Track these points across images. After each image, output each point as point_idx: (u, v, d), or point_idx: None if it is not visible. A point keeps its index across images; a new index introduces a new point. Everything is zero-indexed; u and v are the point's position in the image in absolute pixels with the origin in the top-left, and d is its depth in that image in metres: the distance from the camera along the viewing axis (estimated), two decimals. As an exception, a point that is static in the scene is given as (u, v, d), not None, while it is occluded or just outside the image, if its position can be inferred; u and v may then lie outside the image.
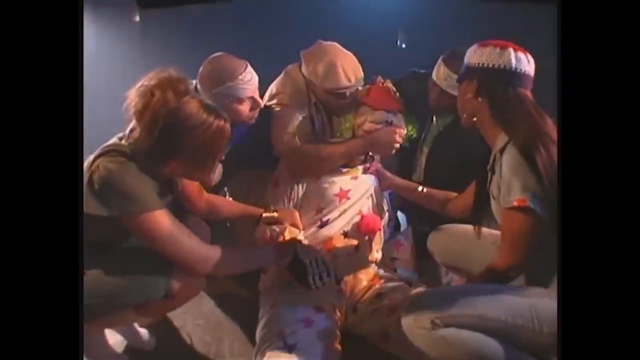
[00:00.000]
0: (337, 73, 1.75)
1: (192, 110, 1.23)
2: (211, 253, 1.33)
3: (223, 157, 1.37)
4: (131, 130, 1.28)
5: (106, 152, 1.24)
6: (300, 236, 1.70)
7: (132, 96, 1.23)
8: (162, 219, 1.25)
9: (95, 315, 1.25)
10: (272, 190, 1.85)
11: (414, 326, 1.17)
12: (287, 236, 1.65)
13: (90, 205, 1.19)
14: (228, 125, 1.30)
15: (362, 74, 1.82)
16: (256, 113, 1.78)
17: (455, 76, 1.68)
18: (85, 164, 1.24)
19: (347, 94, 1.82)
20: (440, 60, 1.85)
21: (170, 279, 1.29)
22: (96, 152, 1.26)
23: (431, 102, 1.93)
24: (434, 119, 2.02)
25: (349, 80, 1.77)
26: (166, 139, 1.22)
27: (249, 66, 1.71)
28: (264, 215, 1.72)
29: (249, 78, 1.70)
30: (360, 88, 1.89)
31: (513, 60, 1.28)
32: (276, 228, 1.68)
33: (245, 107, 1.73)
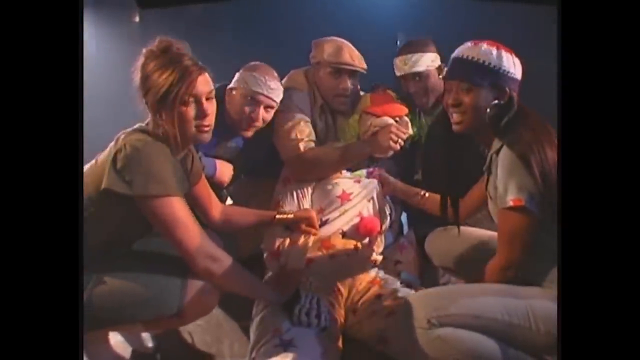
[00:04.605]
0: (342, 50, 1.87)
1: (150, 65, 1.27)
2: (219, 253, 1.31)
3: (194, 99, 1.30)
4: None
5: (134, 131, 1.28)
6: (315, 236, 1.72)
7: None
8: (181, 206, 1.26)
9: (104, 325, 1.26)
10: (282, 188, 1.85)
11: (411, 326, 1.17)
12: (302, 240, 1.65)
13: (113, 182, 1.20)
14: (193, 73, 1.27)
15: (364, 64, 1.91)
16: (252, 130, 1.82)
17: (411, 55, 1.91)
18: (112, 143, 1.27)
19: (349, 82, 1.88)
20: (394, 61, 1.98)
21: (183, 297, 1.28)
22: (123, 131, 1.29)
23: (415, 99, 1.98)
24: (422, 118, 2.05)
25: (352, 59, 1.87)
26: (147, 98, 1.27)
27: (281, 86, 1.83)
28: (278, 217, 1.70)
29: (272, 87, 1.78)
30: (362, 92, 1.95)
31: (505, 63, 1.28)
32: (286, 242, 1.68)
33: (246, 107, 1.76)
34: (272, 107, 1.81)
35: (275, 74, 1.82)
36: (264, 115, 1.79)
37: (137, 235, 1.41)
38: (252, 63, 1.84)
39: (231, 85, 1.82)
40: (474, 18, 2.92)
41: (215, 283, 1.34)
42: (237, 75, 1.83)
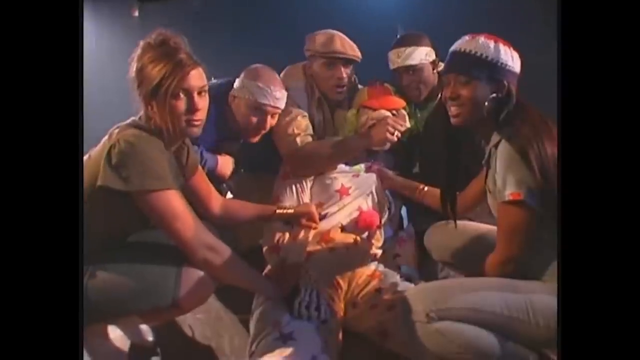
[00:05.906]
0: (333, 40, 1.87)
1: (145, 57, 1.27)
2: (217, 244, 1.32)
3: (184, 92, 1.28)
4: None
5: (127, 126, 1.27)
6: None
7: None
8: (177, 199, 1.26)
9: (100, 319, 1.26)
10: (282, 182, 1.85)
11: (410, 320, 1.18)
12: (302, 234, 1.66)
13: (109, 179, 1.20)
14: (186, 67, 1.27)
15: (358, 53, 1.90)
16: (259, 136, 1.81)
17: (404, 48, 1.93)
18: (105, 137, 1.27)
19: (344, 71, 1.87)
20: (388, 54, 2.00)
21: (178, 287, 1.28)
22: (116, 126, 1.28)
23: (408, 92, 2.00)
24: (417, 112, 2.05)
25: (344, 48, 1.86)
26: (140, 90, 1.28)
27: (285, 91, 1.80)
28: (278, 211, 1.71)
29: (278, 97, 1.76)
30: (358, 87, 1.96)
31: (503, 56, 1.27)
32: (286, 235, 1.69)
33: (253, 117, 1.76)
34: (277, 114, 1.82)
35: (278, 79, 1.81)
36: (271, 122, 1.80)
37: (132, 229, 1.41)
38: (254, 67, 1.81)
39: (234, 92, 1.79)
40: (474, 11, 2.92)
41: (214, 274, 1.34)
42: (238, 81, 1.80)
